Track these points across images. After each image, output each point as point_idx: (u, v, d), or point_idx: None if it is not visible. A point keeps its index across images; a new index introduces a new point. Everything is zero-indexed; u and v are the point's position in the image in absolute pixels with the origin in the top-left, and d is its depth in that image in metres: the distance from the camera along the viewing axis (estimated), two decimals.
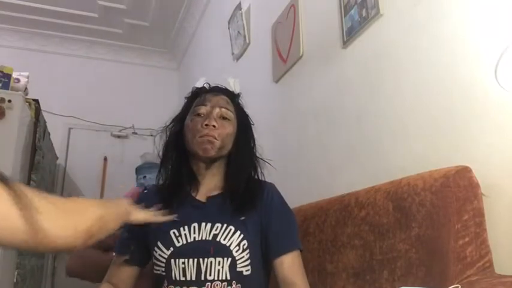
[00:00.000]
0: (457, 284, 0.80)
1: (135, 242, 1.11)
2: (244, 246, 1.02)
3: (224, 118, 1.10)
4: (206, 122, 1.07)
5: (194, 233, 1.04)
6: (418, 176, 1.05)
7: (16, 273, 2.37)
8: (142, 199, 1.16)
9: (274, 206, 1.10)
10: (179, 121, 1.16)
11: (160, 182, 1.16)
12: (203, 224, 1.05)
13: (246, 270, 1.01)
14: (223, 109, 1.11)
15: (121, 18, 4.28)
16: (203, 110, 1.10)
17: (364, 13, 1.52)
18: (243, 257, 1.01)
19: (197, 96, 1.16)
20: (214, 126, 1.07)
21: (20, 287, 2.47)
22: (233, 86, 1.20)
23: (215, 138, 1.07)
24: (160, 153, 1.16)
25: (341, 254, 1.24)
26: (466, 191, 0.92)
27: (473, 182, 0.93)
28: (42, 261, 3.62)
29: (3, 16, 4.14)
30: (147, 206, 1.11)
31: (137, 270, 1.13)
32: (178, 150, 1.14)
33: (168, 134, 1.17)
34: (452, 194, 0.92)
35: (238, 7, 2.81)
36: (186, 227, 1.05)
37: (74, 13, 4.15)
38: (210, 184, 1.12)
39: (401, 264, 1.03)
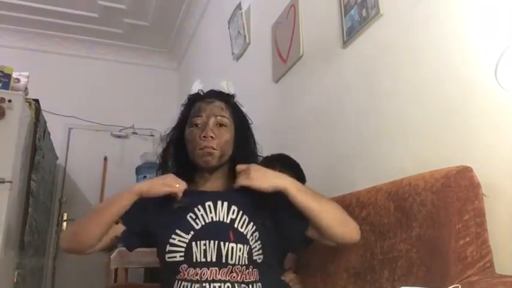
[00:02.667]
0: (457, 283, 0.80)
1: (131, 223, 1.11)
2: (256, 237, 1.06)
3: (221, 125, 1.13)
4: (203, 134, 1.10)
5: (210, 212, 1.08)
6: (419, 176, 1.05)
7: (16, 273, 2.37)
8: (146, 202, 1.18)
9: (277, 195, 1.12)
10: (178, 129, 1.18)
11: None
12: (219, 202, 1.09)
13: (259, 259, 1.06)
14: (218, 117, 1.14)
15: (121, 18, 4.28)
16: (199, 120, 1.14)
17: (364, 13, 1.52)
18: (256, 246, 1.06)
19: (193, 103, 1.18)
20: (212, 137, 1.10)
21: (20, 287, 2.47)
22: (227, 88, 1.21)
23: (214, 149, 1.10)
24: (160, 159, 1.18)
25: (342, 254, 1.24)
26: (467, 191, 0.92)
27: (474, 182, 0.93)
28: (42, 261, 3.62)
29: (4, 16, 4.14)
30: (149, 205, 1.12)
31: (118, 237, 1.12)
32: (180, 158, 1.16)
33: (167, 141, 1.19)
34: (453, 194, 0.92)
35: (238, 7, 2.81)
36: (200, 207, 1.08)
37: (74, 13, 4.16)
38: (213, 187, 1.15)
39: (402, 264, 1.03)
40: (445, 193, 0.94)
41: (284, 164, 1.51)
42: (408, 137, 1.29)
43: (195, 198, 1.10)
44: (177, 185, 1.07)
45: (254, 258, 1.05)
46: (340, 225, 1.05)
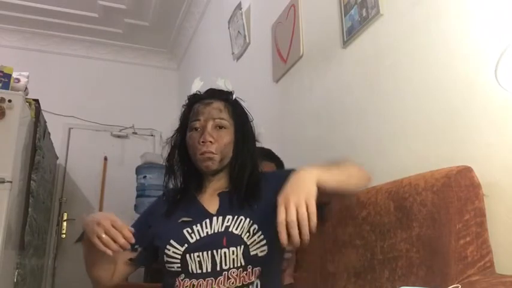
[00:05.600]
0: (457, 283, 0.80)
1: (143, 244, 1.12)
2: (255, 230, 1.04)
3: (220, 127, 1.12)
4: (202, 139, 1.09)
5: (206, 228, 1.07)
6: (420, 175, 1.05)
7: (16, 273, 2.37)
8: (156, 205, 1.21)
9: (279, 176, 1.12)
10: (180, 132, 1.19)
11: (170, 186, 1.18)
12: (214, 218, 1.08)
13: (261, 251, 1.03)
14: (217, 120, 1.12)
15: (121, 18, 4.28)
16: (198, 124, 1.13)
17: (364, 13, 1.52)
18: (255, 240, 1.03)
19: (192, 105, 1.18)
20: (210, 141, 1.09)
21: (20, 287, 2.47)
22: (225, 86, 1.21)
23: (213, 153, 1.09)
24: (166, 164, 1.18)
25: (342, 254, 1.24)
26: (468, 191, 0.92)
27: (475, 182, 0.93)
28: (42, 261, 3.62)
29: (3, 16, 4.14)
30: (157, 213, 1.15)
31: (136, 267, 1.16)
32: (184, 162, 1.16)
33: (172, 144, 1.19)
34: (454, 194, 0.92)
35: (238, 7, 2.81)
36: (198, 224, 1.08)
37: (74, 13, 4.16)
38: (216, 186, 1.16)
39: (402, 263, 1.03)
40: (445, 193, 0.94)
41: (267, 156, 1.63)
42: (408, 136, 1.29)
43: (196, 216, 1.10)
44: (103, 236, 0.93)
45: (253, 253, 1.03)
46: (363, 180, 1.03)
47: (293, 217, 0.83)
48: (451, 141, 1.13)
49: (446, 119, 1.15)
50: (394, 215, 1.08)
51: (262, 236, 1.04)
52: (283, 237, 0.83)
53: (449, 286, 0.79)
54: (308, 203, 0.84)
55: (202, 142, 1.09)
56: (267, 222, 1.05)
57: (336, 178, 0.93)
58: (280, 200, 0.86)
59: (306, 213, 0.83)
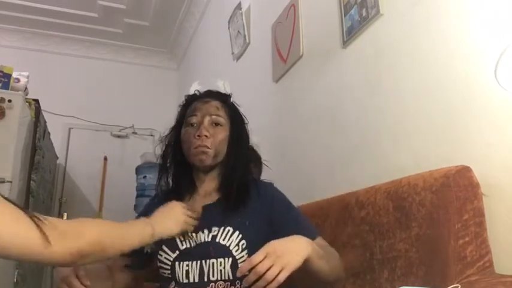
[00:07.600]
0: (457, 283, 0.80)
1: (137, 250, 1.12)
2: (243, 246, 1.03)
3: (216, 124, 1.12)
4: (198, 133, 1.10)
5: (196, 237, 1.07)
6: (418, 175, 1.05)
7: (16, 273, 2.37)
8: (150, 207, 1.19)
9: (277, 204, 1.12)
10: (175, 130, 1.19)
11: (162, 187, 1.18)
12: (200, 232, 1.07)
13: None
14: (213, 116, 1.13)
15: (121, 18, 4.28)
16: (194, 120, 1.13)
17: (364, 13, 1.52)
18: (243, 256, 1.03)
19: (190, 103, 1.18)
20: (206, 136, 1.09)
21: (20, 287, 2.47)
22: (223, 87, 1.21)
23: (208, 148, 1.10)
24: (160, 160, 1.18)
25: (341, 254, 1.24)
26: (466, 190, 0.92)
27: (474, 181, 0.93)
28: None
29: (3, 16, 4.14)
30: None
31: (136, 272, 1.15)
32: (177, 160, 1.16)
33: (166, 143, 1.19)
34: (453, 194, 0.92)
35: (238, 7, 2.81)
36: (186, 235, 1.07)
37: (74, 13, 4.16)
38: (208, 188, 1.15)
39: (402, 263, 1.03)
40: (444, 193, 0.94)
41: None
42: (408, 136, 1.29)
43: None
44: None
45: None
46: (339, 277, 1.06)
47: (262, 269, 0.84)
48: (451, 141, 1.13)
49: (446, 119, 1.15)
50: (393, 215, 1.08)
51: (249, 255, 1.02)
52: (243, 269, 0.87)
53: (448, 286, 0.79)
54: (283, 270, 0.85)
55: (198, 136, 1.09)
56: (256, 242, 1.05)
57: (321, 265, 0.96)
58: (268, 247, 0.88)
59: (273, 276, 0.84)
